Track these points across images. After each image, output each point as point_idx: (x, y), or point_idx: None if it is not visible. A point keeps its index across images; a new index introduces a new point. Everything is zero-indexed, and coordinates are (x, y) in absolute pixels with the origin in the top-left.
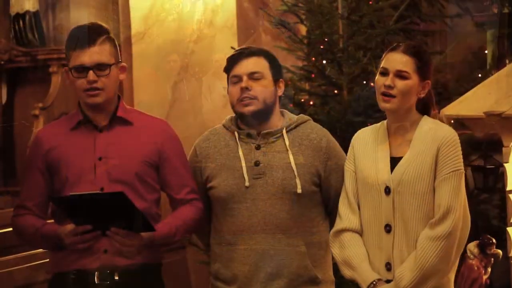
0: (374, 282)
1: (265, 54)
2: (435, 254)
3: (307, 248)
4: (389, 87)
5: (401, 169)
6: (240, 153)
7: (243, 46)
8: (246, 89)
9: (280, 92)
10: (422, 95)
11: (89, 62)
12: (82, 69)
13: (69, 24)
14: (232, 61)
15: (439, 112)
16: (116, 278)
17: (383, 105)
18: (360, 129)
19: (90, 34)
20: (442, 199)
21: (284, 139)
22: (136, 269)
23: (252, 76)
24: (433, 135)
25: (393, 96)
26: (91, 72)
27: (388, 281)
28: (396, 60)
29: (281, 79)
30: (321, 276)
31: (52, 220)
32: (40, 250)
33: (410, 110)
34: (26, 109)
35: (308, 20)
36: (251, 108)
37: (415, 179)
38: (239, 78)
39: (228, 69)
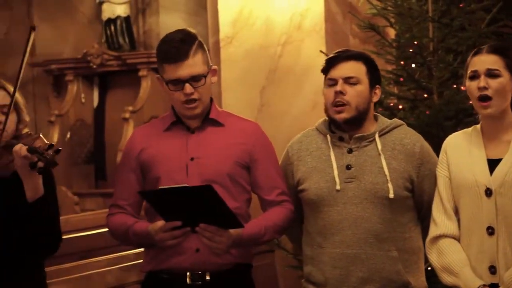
0: None
1: (364, 59)
2: None
3: (399, 253)
4: (484, 88)
5: (503, 170)
6: (332, 156)
7: (343, 49)
8: (340, 93)
9: (376, 98)
10: None
11: (185, 76)
12: (178, 83)
13: (158, 28)
14: (330, 63)
15: None
16: (208, 278)
17: (483, 111)
18: (451, 133)
19: (182, 47)
20: None
21: (376, 143)
22: (227, 270)
23: (348, 80)
24: None
25: (489, 98)
26: (187, 85)
27: (492, 285)
28: (484, 60)
29: (377, 86)
30: (414, 282)
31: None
32: (132, 251)
33: (506, 111)
34: (117, 112)
35: (398, 24)
36: (342, 116)
37: None
38: (334, 81)
39: (325, 70)
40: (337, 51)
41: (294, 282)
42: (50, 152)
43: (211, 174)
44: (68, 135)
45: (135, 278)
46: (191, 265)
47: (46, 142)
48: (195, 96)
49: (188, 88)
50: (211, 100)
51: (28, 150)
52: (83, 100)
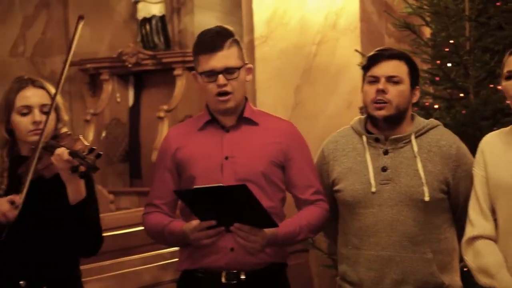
0: None
1: (406, 58)
2: None
3: (433, 254)
4: None
5: None
6: (368, 157)
7: (385, 47)
8: (382, 91)
9: (415, 99)
10: None
11: (219, 67)
12: (212, 74)
13: (193, 28)
14: (372, 61)
15: None
16: (243, 277)
17: None
18: (487, 133)
19: (217, 39)
20: None
21: (412, 145)
22: (262, 269)
23: (390, 79)
24: None
25: None
26: (220, 76)
27: None
28: None
29: (417, 86)
30: (448, 282)
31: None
32: (168, 249)
33: None
34: (152, 111)
35: (434, 22)
36: (382, 113)
37: None
38: (376, 79)
39: (366, 67)
40: (379, 48)
41: (328, 282)
42: (92, 156)
43: (246, 173)
44: (104, 134)
45: (171, 276)
46: (226, 264)
47: (86, 144)
48: (228, 88)
49: (221, 79)
50: (246, 99)
51: (70, 154)
52: (118, 99)
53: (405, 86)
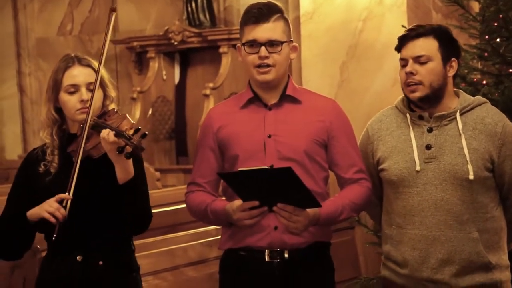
0: None
1: (436, 33)
2: None
3: (480, 234)
4: None
5: None
6: (412, 135)
7: (413, 26)
8: (410, 73)
9: (452, 72)
10: None
11: (262, 38)
12: (255, 45)
13: (239, 5)
14: (400, 43)
15: None
16: (286, 256)
17: None
18: None
19: (265, 11)
20: None
21: (457, 122)
22: (305, 247)
23: (417, 59)
24: None
25: None
26: (263, 48)
27: None
28: None
29: (453, 58)
30: (495, 262)
31: (224, 198)
32: (213, 227)
33: None
34: (197, 89)
35: None
36: (416, 95)
37: None
38: (405, 62)
39: (398, 49)
40: (409, 28)
41: (374, 259)
42: (137, 137)
43: (289, 151)
44: (150, 112)
45: (216, 253)
46: (269, 243)
47: (132, 122)
48: (269, 61)
49: (263, 51)
50: (288, 76)
51: (115, 135)
52: (164, 77)
53: (435, 63)
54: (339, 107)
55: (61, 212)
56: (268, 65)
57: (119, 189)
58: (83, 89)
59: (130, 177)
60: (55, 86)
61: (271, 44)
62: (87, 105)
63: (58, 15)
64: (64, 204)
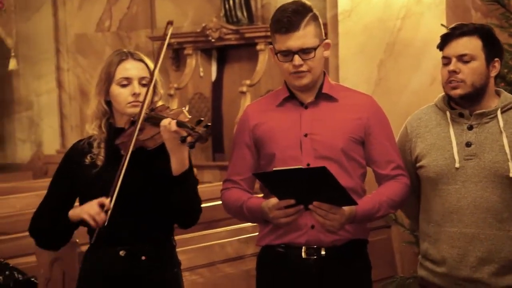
0: None
1: (480, 32)
2: None
3: None
4: None
5: None
6: (451, 133)
7: (456, 24)
8: (453, 72)
9: (495, 72)
10: None
11: (294, 47)
12: (288, 53)
13: (276, 2)
14: (444, 41)
15: None
16: (323, 253)
17: None
18: None
19: (294, 18)
20: None
21: (498, 120)
22: (342, 245)
23: (461, 58)
24: None
25: None
26: (296, 56)
27: None
28: None
29: (496, 58)
30: None
31: (261, 195)
32: (250, 224)
33: None
34: (234, 85)
35: None
36: (457, 92)
37: None
38: (448, 60)
39: (440, 47)
40: (451, 26)
41: (411, 258)
42: (201, 127)
43: (325, 150)
44: (187, 108)
45: (253, 250)
46: (306, 241)
47: (189, 116)
48: (303, 68)
49: (297, 59)
50: (324, 74)
51: (178, 125)
52: (201, 74)
53: (478, 63)
54: (376, 103)
55: (101, 217)
56: (302, 72)
57: (173, 180)
58: (136, 83)
59: (185, 168)
60: (107, 79)
61: (304, 51)
62: (139, 98)
63: (97, 12)
64: (105, 209)
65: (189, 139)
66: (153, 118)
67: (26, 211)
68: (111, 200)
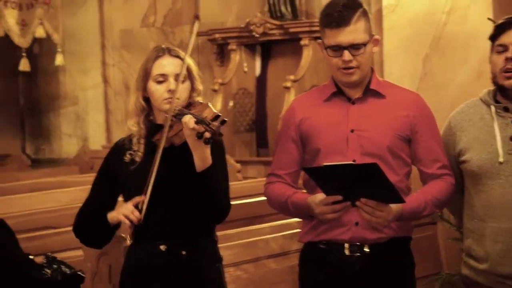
0: None
1: None
2: None
3: None
4: None
5: None
6: (496, 127)
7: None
8: (511, 59)
9: None
10: None
11: (345, 42)
12: (338, 48)
13: None
14: (500, 29)
15: None
16: (366, 250)
17: None
18: None
19: (345, 13)
20: None
21: None
22: (386, 242)
23: None
24: None
25: None
26: (346, 52)
27: None
28: None
29: None
30: None
31: (304, 190)
32: (294, 219)
33: None
34: (278, 81)
35: None
36: None
37: None
38: (505, 48)
39: (494, 37)
40: (508, 17)
41: (456, 255)
42: (216, 123)
43: (372, 147)
44: (231, 104)
45: (297, 246)
46: (350, 238)
47: (214, 111)
48: (353, 64)
49: (347, 55)
50: (372, 70)
51: (196, 122)
52: (245, 69)
53: None
54: (423, 101)
55: (136, 215)
56: (352, 67)
57: (196, 177)
58: (171, 79)
59: (207, 165)
60: (145, 75)
61: (354, 47)
62: (175, 95)
63: (142, 7)
64: (140, 207)
65: (206, 135)
66: (181, 115)
67: (73, 205)
68: (144, 198)
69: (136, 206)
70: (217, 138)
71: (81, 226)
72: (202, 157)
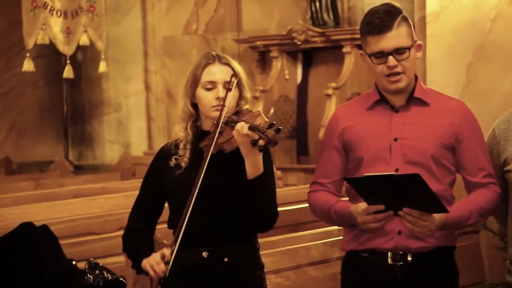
0: None
1: None
2: None
3: None
4: None
5: None
6: None
7: None
8: None
9: None
10: None
11: (388, 48)
12: (381, 55)
13: (362, 5)
14: None
15: None
16: (409, 259)
17: None
18: None
19: (386, 19)
20: None
21: None
22: (429, 252)
23: None
24: None
25: None
26: (390, 57)
27: None
28: None
29: None
30: None
31: (347, 198)
32: (335, 227)
33: None
34: (320, 88)
35: None
36: None
37: None
38: None
39: None
40: None
41: (499, 264)
42: (271, 131)
43: (415, 155)
44: (272, 111)
45: (338, 254)
46: (392, 247)
47: (266, 120)
48: (398, 69)
49: (391, 60)
50: (416, 77)
51: (249, 128)
52: (287, 77)
53: None
54: (468, 109)
55: (161, 267)
56: (398, 73)
57: (247, 184)
58: (220, 87)
59: (259, 172)
60: (194, 82)
61: (398, 52)
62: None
63: (184, 15)
64: (166, 260)
65: (260, 142)
66: (231, 122)
67: (115, 211)
68: (175, 242)
69: (162, 258)
70: (272, 146)
71: (127, 247)
72: (254, 165)
